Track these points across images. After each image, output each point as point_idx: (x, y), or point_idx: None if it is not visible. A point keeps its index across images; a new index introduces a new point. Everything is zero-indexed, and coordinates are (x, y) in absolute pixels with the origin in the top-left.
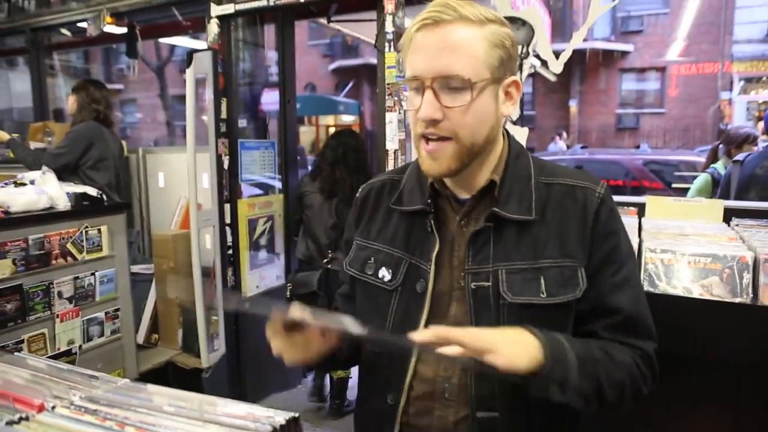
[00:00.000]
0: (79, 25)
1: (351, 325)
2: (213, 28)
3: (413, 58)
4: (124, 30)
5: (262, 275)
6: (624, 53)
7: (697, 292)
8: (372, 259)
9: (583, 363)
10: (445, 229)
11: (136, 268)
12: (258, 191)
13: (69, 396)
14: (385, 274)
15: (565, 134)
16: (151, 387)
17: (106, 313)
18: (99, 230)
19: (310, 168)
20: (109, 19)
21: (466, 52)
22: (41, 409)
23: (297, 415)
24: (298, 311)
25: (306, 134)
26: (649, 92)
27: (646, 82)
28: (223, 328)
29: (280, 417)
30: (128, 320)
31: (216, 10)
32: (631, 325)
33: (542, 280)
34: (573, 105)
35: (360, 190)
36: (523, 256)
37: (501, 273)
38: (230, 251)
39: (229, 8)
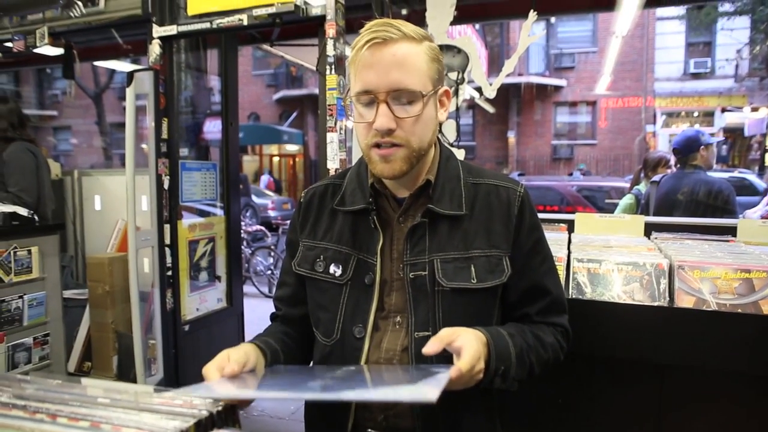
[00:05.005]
0: (9, 45)
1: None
2: (155, 48)
3: (364, 73)
4: (60, 51)
5: (202, 298)
6: (557, 88)
7: (620, 298)
8: (321, 257)
9: (520, 353)
10: (385, 225)
11: (68, 294)
12: (199, 219)
13: None
14: (335, 269)
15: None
16: (85, 381)
17: (34, 339)
18: (29, 251)
19: (252, 196)
20: (48, 39)
21: (414, 68)
22: None
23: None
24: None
25: (249, 163)
26: (581, 124)
27: (579, 115)
28: (162, 352)
29: (218, 405)
30: (59, 346)
31: (158, 30)
32: (557, 305)
33: (473, 268)
34: (511, 136)
35: (303, 194)
36: (456, 247)
37: (436, 262)
38: (170, 273)
39: (171, 29)
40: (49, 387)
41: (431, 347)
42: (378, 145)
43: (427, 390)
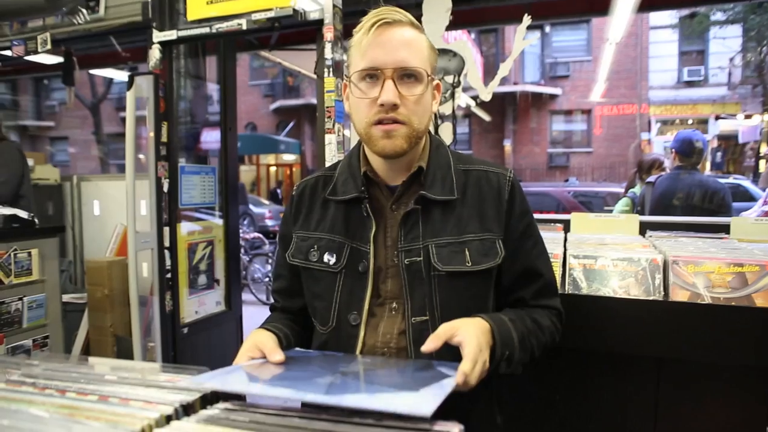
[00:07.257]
0: (6, 53)
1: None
2: (155, 53)
3: (372, 51)
4: (59, 59)
5: (201, 301)
6: (553, 96)
7: (615, 293)
8: (315, 246)
9: (522, 338)
10: (378, 213)
11: (67, 298)
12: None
13: (5, 376)
14: (329, 258)
15: None
16: (93, 359)
17: (33, 341)
18: (29, 253)
19: (250, 205)
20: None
21: (419, 50)
22: None
23: None
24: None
25: (247, 173)
26: (576, 132)
27: (574, 123)
28: (160, 356)
29: None
30: (58, 349)
31: (158, 36)
32: (549, 287)
33: (467, 252)
34: (507, 144)
35: (295, 188)
36: (449, 232)
37: (431, 247)
38: (169, 275)
39: (171, 34)
40: (57, 366)
41: (429, 345)
42: (380, 122)
43: (424, 401)
